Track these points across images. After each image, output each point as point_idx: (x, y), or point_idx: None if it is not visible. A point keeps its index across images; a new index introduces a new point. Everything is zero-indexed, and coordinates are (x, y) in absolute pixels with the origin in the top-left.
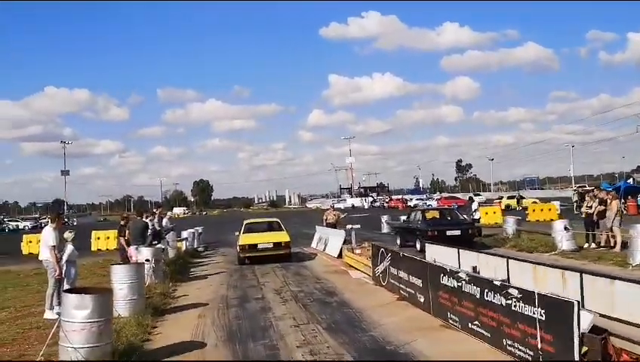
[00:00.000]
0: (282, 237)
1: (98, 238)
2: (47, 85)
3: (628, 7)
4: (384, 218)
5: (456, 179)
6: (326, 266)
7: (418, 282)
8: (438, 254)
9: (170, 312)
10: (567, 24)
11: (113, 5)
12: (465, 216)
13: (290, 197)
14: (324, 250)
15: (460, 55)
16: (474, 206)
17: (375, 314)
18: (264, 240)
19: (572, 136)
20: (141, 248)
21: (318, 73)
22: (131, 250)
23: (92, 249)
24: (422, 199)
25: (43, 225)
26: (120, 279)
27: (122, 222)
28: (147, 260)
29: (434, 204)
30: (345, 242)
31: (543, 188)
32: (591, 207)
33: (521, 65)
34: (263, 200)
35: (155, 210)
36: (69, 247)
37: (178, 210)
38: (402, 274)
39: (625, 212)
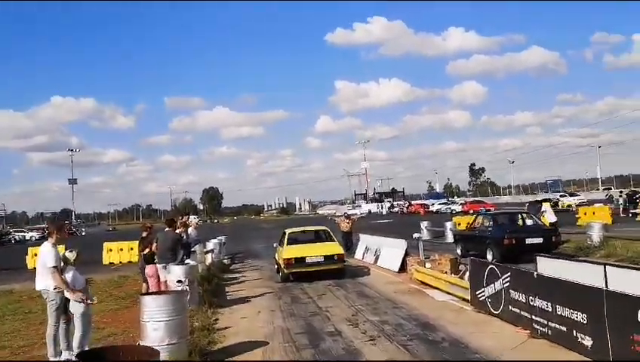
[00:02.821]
0: (335, 248)
1: (110, 250)
2: (53, 95)
3: (633, 8)
4: (423, 224)
5: (470, 183)
6: (391, 284)
7: (578, 316)
8: (559, 271)
9: (221, 358)
10: (572, 27)
11: (117, 13)
12: (539, 221)
13: (300, 204)
14: (375, 263)
15: (465, 60)
16: (544, 208)
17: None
18: (313, 252)
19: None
20: (171, 266)
21: (325, 79)
22: (154, 269)
23: (104, 262)
24: (445, 204)
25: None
26: (154, 315)
27: (144, 234)
28: (180, 281)
29: (458, 208)
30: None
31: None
32: None
33: (528, 69)
34: (273, 208)
35: (184, 220)
36: (71, 274)
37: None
38: (538, 303)
39: None
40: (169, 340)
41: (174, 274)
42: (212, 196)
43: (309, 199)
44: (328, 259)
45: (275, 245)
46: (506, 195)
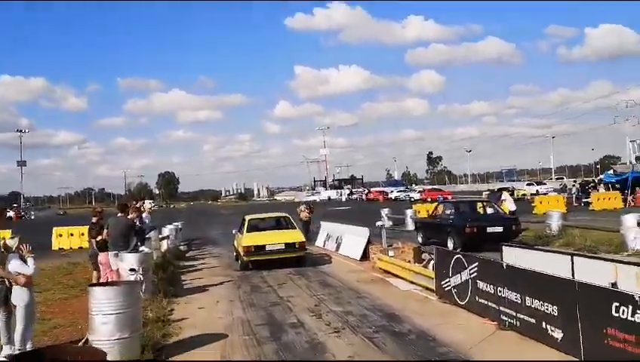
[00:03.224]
0: (296, 236)
1: (60, 235)
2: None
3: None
4: (384, 211)
5: (427, 172)
6: (353, 272)
7: (549, 308)
8: (526, 261)
9: (176, 352)
10: (527, 19)
11: None
12: (500, 209)
13: (258, 190)
14: (336, 250)
15: (424, 48)
16: (504, 196)
17: (488, 355)
18: (274, 240)
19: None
20: (123, 254)
21: (284, 64)
22: (107, 257)
23: (53, 247)
24: (403, 191)
25: None
26: (103, 308)
27: (94, 219)
28: (133, 270)
29: (416, 196)
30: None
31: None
32: None
33: (485, 59)
34: (231, 193)
35: (138, 205)
36: (14, 262)
37: (148, 204)
38: (507, 294)
39: (633, 204)
40: (120, 334)
41: (127, 263)
42: (168, 180)
43: (268, 185)
44: (289, 246)
45: (234, 231)
46: (462, 184)
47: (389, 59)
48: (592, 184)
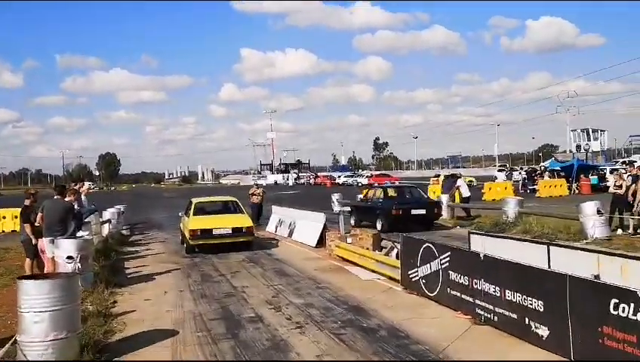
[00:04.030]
0: (243, 221)
1: None
2: None
3: None
4: (335, 196)
5: (373, 157)
6: (310, 260)
7: (533, 303)
8: (493, 249)
9: (120, 352)
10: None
11: None
12: (425, 194)
13: (203, 173)
14: (289, 236)
15: (371, 35)
16: (459, 182)
17: (467, 354)
18: (221, 224)
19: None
20: (60, 240)
21: (231, 46)
22: (43, 243)
23: None
24: (350, 176)
25: None
26: (35, 305)
27: (27, 202)
28: (70, 257)
29: (364, 181)
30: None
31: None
32: (620, 186)
33: (430, 48)
34: (174, 176)
35: (78, 187)
36: None
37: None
38: (484, 286)
39: (577, 191)
40: (55, 334)
41: (64, 250)
42: (109, 162)
43: (213, 168)
44: (236, 231)
45: (180, 214)
46: (408, 170)
47: (336, 45)
48: (538, 172)
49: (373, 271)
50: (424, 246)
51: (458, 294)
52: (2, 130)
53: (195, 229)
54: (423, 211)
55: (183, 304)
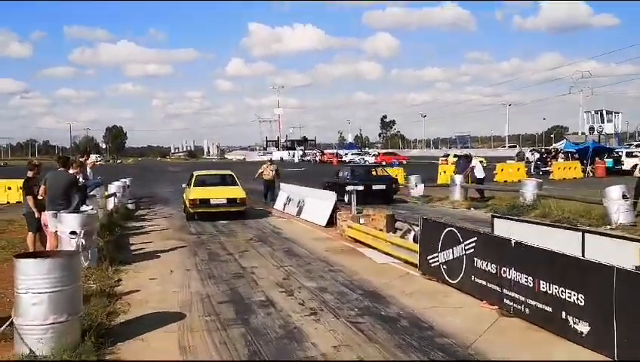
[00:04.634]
0: (237, 192)
1: None
2: None
3: None
4: None
5: (380, 136)
6: (320, 240)
7: (572, 296)
8: (519, 234)
9: (124, 338)
10: None
11: None
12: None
13: (208, 148)
14: (298, 215)
15: (381, 11)
16: (474, 163)
17: (500, 349)
18: (217, 195)
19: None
20: (63, 215)
21: (238, 20)
22: (46, 217)
23: None
24: (357, 154)
25: None
26: (34, 285)
27: (30, 173)
28: (74, 233)
29: (371, 159)
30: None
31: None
32: None
33: (440, 24)
34: (180, 150)
35: (84, 159)
36: None
37: (93, 157)
38: (514, 276)
39: (591, 174)
40: (55, 317)
41: (67, 225)
42: (116, 135)
43: (218, 143)
44: (231, 201)
45: (183, 186)
46: (415, 149)
47: (346, 21)
48: (552, 153)
49: (388, 254)
50: (447, 230)
51: (484, 282)
52: (10, 101)
53: (195, 199)
54: (382, 186)
55: (190, 284)
